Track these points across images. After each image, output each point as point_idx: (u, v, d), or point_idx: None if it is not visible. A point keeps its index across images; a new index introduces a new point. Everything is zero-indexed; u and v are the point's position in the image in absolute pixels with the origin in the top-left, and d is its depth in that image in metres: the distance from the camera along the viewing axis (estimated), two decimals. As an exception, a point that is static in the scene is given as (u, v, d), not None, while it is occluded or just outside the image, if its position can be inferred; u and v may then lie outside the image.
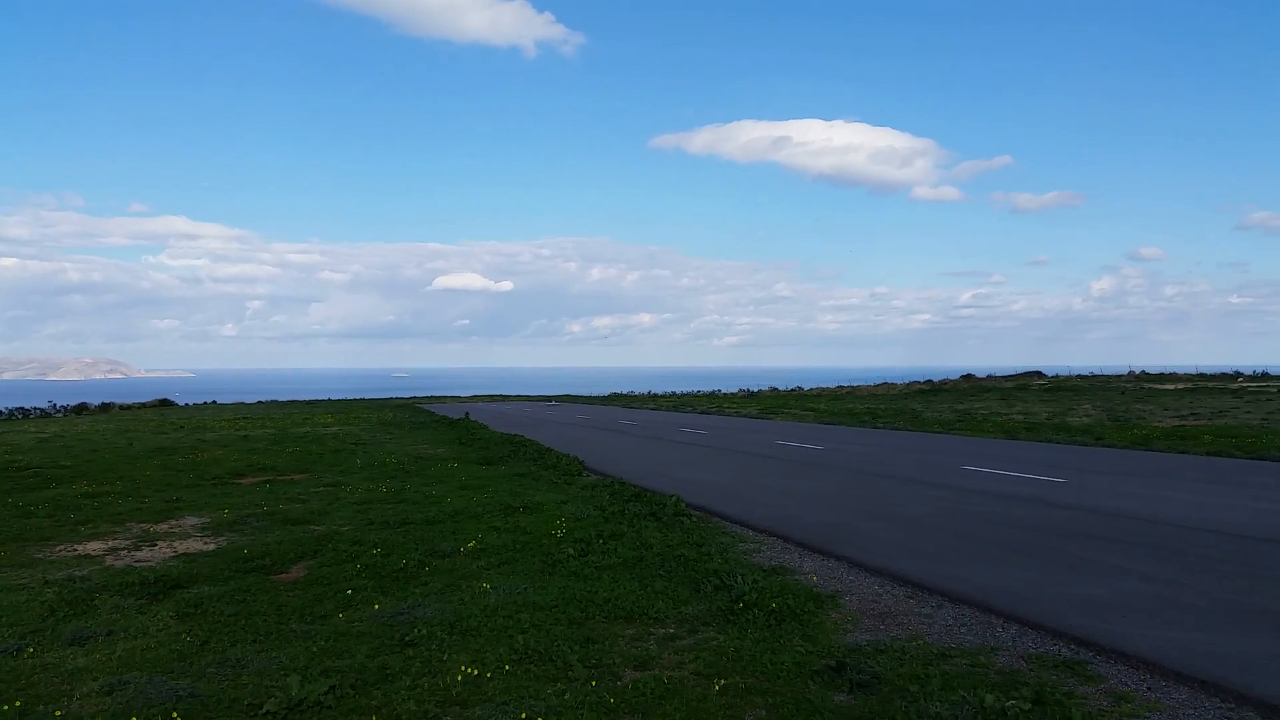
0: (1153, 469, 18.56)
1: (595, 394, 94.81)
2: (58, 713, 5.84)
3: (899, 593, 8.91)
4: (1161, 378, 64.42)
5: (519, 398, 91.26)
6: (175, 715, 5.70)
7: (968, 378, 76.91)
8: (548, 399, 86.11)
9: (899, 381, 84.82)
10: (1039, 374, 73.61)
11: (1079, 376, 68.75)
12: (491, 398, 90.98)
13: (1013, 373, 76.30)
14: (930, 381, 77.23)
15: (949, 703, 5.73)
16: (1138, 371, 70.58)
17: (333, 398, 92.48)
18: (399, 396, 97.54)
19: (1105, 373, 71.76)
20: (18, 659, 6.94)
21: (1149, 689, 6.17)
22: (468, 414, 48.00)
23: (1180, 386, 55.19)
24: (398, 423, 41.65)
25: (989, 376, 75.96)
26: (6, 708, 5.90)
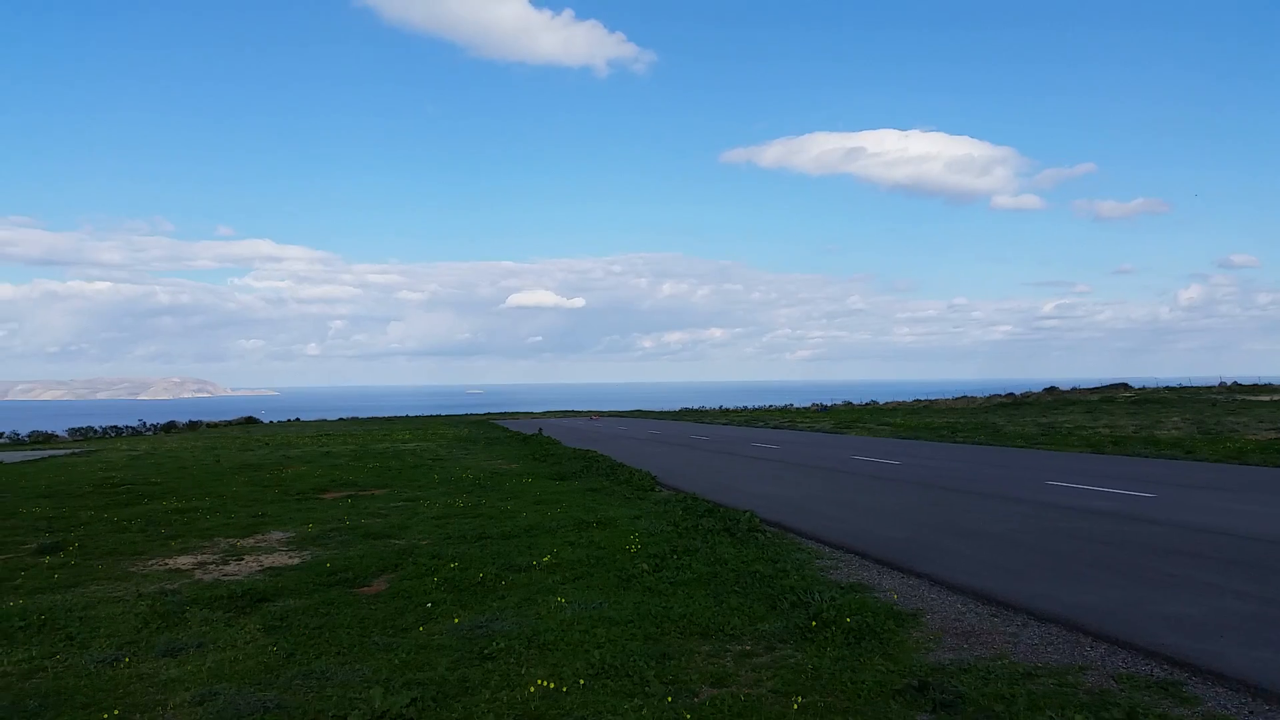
0: (1246, 484, 17.85)
1: (666, 409, 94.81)
2: (153, 721, 6.03)
3: (982, 611, 8.71)
4: (1255, 389, 61.93)
5: (591, 413, 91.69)
6: (263, 725, 5.84)
7: (1051, 390, 74.98)
8: (614, 414, 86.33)
9: (979, 395, 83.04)
10: (1125, 386, 71.40)
11: (1167, 388, 66.44)
12: (564, 413, 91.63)
13: (1098, 385, 74.12)
14: (1012, 395, 75.47)
15: (1036, 724, 5.58)
16: (1229, 382, 67.94)
17: (410, 414, 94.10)
18: (474, 413, 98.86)
19: (1195, 384, 69.24)
20: (115, 669, 7.20)
21: (1250, 712, 5.92)
22: (540, 430, 48.40)
23: (1276, 398, 53.01)
24: (473, 439, 42.20)
25: (1073, 389, 73.91)
26: (106, 715, 6.13)
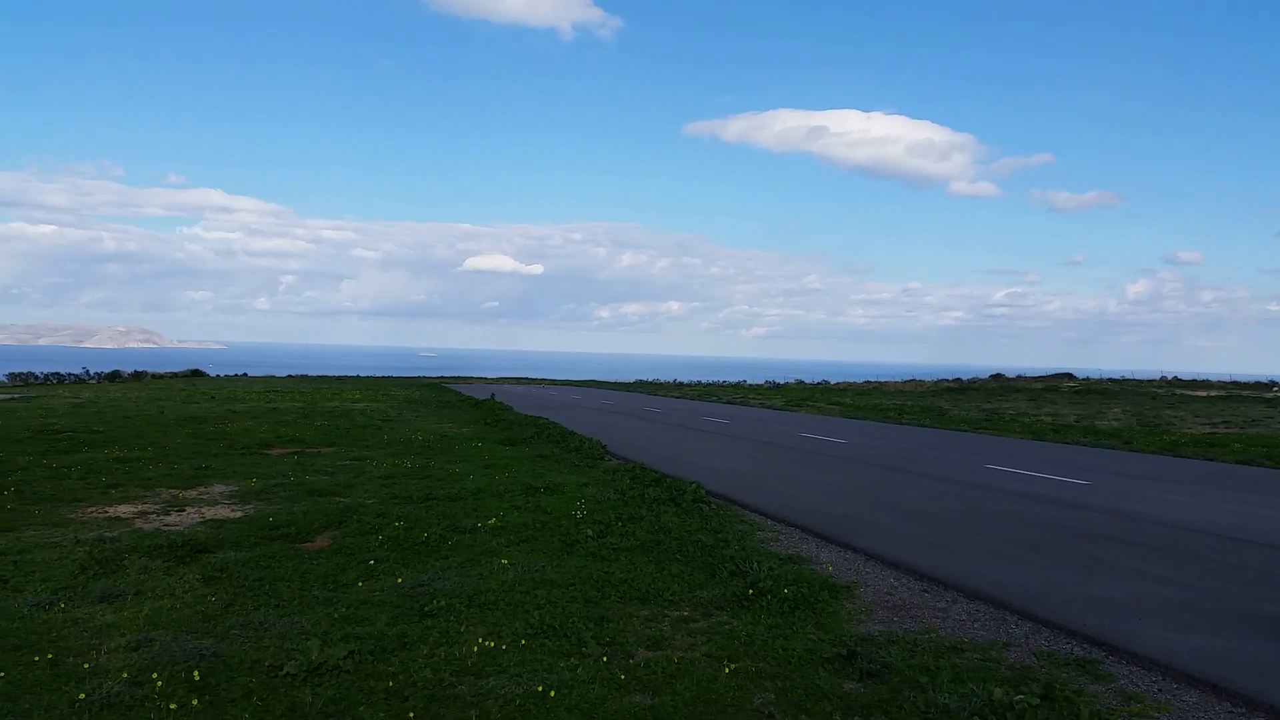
0: (1179, 475, 18.40)
1: (621, 380, 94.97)
2: (86, 665, 6.02)
3: (915, 586, 8.95)
4: (1194, 384, 63.55)
5: (545, 381, 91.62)
6: (197, 674, 5.85)
7: (997, 377, 76.30)
8: (568, 383, 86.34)
9: (928, 379, 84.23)
10: (1069, 376, 72.87)
11: (1110, 380, 67.95)
12: (517, 380, 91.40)
13: (1044, 374, 75.53)
14: (959, 380, 76.67)
15: (958, 695, 5.78)
16: (1170, 377, 69.57)
17: (361, 374, 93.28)
18: (426, 375, 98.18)
19: (1137, 377, 70.82)
20: (50, 613, 7.15)
21: (1159, 690, 6.18)
22: (493, 395, 48.24)
23: (1213, 393, 54.46)
24: (424, 401, 41.98)
25: (1019, 377, 75.27)
26: (39, 658, 6.10)
